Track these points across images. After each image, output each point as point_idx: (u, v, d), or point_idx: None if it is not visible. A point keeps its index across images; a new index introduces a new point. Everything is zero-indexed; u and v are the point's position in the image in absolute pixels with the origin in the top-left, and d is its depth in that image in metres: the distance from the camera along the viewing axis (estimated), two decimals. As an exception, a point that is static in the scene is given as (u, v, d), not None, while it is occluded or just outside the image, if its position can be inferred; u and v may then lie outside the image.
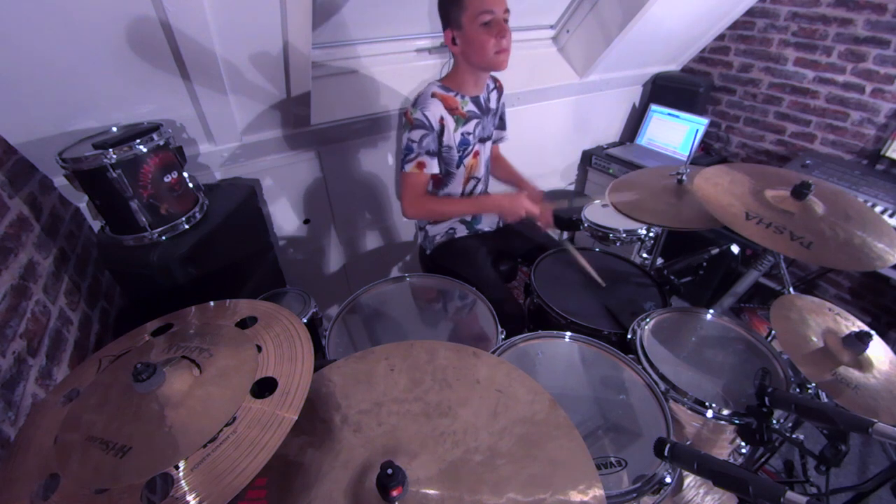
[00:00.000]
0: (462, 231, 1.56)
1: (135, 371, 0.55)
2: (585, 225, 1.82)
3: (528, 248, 1.63)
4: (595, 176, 2.65)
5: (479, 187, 1.54)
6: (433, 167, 1.31)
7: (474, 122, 1.38)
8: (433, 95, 1.28)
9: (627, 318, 1.17)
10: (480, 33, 1.17)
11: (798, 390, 1.01)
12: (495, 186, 1.66)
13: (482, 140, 1.45)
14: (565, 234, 2.06)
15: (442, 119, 1.28)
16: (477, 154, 1.45)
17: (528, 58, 2.10)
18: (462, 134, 1.36)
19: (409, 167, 1.29)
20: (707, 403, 0.92)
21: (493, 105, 1.46)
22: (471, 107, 1.36)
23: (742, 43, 2.39)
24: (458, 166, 1.40)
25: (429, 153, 1.29)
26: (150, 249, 1.11)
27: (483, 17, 1.15)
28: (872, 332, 0.90)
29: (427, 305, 1.30)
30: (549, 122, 2.39)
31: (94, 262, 1.30)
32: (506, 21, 1.20)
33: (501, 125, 1.60)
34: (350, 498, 0.57)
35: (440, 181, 1.43)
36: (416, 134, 1.27)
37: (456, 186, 1.46)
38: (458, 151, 1.37)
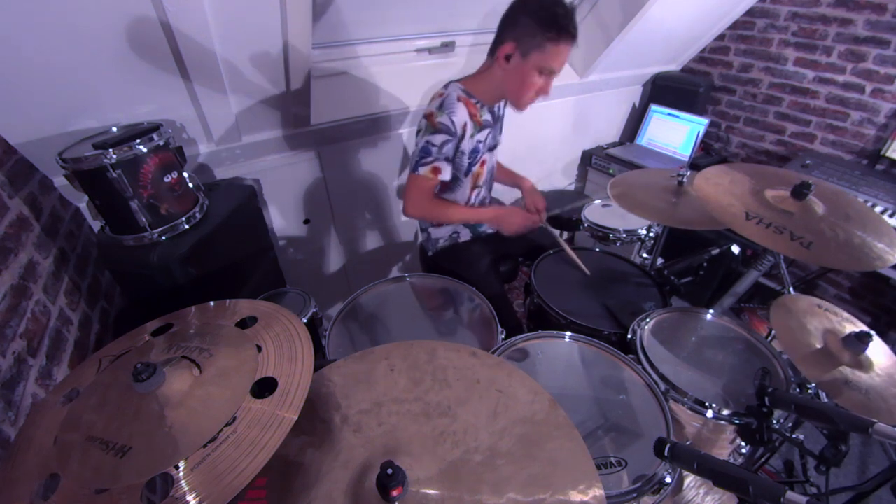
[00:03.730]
0: (466, 235, 1.56)
1: (135, 371, 0.55)
2: (585, 225, 1.82)
3: (529, 247, 1.63)
4: (595, 176, 2.65)
5: (483, 193, 1.54)
6: (447, 173, 1.30)
7: (486, 130, 1.37)
8: (459, 100, 1.25)
9: (627, 318, 1.18)
10: (535, 75, 1.19)
11: (798, 390, 1.01)
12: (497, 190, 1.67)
13: (490, 149, 1.45)
14: (565, 234, 2.06)
15: (465, 125, 1.27)
16: (484, 163, 1.44)
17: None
18: (476, 142, 1.34)
19: (424, 171, 1.26)
20: (707, 403, 0.92)
21: (501, 114, 1.46)
22: (486, 116, 1.35)
23: (742, 43, 2.39)
24: (466, 174, 1.39)
25: (447, 159, 1.27)
26: (150, 249, 1.11)
27: (547, 69, 1.18)
28: (872, 333, 0.90)
29: (436, 314, 1.29)
30: (550, 122, 2.39)
31: (94, 262, 1.30)
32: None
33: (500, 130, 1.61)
34: (350, 498, 0.57)
35: (446, 187, 1.42)
36: (438, 138, 1.24)
37: (462, 194, 1.45)
38: (469, 159, 1.35)
